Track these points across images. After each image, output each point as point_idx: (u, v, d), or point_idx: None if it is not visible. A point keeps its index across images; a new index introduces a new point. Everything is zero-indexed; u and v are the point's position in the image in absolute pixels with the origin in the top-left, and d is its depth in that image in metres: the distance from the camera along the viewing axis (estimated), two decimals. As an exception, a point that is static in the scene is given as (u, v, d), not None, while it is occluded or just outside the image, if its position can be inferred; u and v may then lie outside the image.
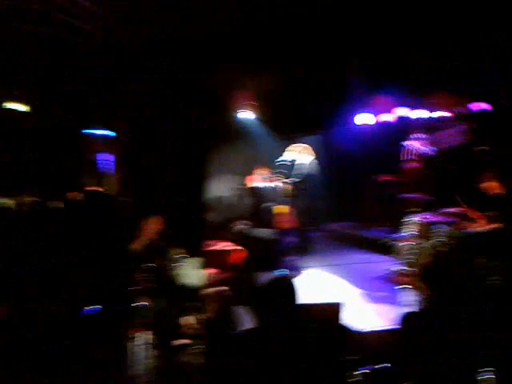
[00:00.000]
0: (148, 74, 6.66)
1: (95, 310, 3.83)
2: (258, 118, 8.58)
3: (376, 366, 2.65)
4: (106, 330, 3.85)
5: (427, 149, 7.95)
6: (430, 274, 2.85)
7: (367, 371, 2.58)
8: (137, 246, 4.62)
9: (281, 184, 7.61)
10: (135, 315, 3.85)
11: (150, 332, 3.85)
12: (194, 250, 5.29)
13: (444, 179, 7.42)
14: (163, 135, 6.66)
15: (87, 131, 8.96)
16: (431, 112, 7.71)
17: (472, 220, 5.21)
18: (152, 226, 4.81)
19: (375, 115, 8.28)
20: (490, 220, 4.99)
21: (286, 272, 6.17)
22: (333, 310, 3.57)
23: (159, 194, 6.36)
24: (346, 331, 3.18)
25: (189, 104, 6.77)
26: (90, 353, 3.68)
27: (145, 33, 6.05)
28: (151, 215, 4.89)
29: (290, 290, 2.53)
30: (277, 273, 5.63)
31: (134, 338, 3.73)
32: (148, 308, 3.94)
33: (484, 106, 6.61)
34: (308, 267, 6.75)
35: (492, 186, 5.15)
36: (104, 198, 7.76)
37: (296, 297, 2.53)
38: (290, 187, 7.40)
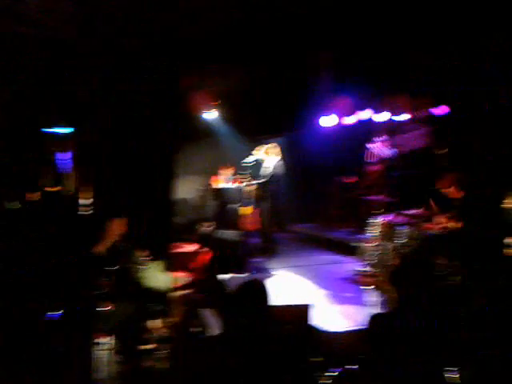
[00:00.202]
0: (104, 73, 6.48)
1: (56, 315, 3.70)
2: (223, 119, 8.54)
3: (343, 368, 2.67)
4: (69, 334, 3.73)
5: (389, 151, 8.14)
6: (395, 276, 2.90)
7: (334, 373, 2.60)
8: (100, 248, 4.50)
9: (246, 185, 7.61)
10: (98, 320, 3.75)
11: (113, 337, 3.76)
12: (159, 253, 5.20)
13: (405, 181, 7.60)
14: (127, 134, 6.50)
15: (46, 129, 8.68)
16: (394, 115, 7.87)
17: (432, 221, 5.35)
18: (115, 228, 4.70)
19: (339, 117, 8.39)
20: (450, 221, 5.13)
21: (253, 274, 6.17)
22: (302, 311, 3.59)
23: (123, 195, 6.21)
24: (314, 332, 3.19)
25: (153, 103, 6.63)
26: (53, 358, 3.56)
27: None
28: (115, 217, 4.77)
29: (262, 293, 2.53)
30: (247, 275, 5.62)
31: (97, 343, 3.63)
32: (111, 312, 3.84)
33: (445, 109, 6.78)
34: (273, 269, 6.76)
35: (452, 189, 5.29)
36: (63, 199, 7.53)
37: (268, 299, 2.53)
38: (255, 188, 7.40)
